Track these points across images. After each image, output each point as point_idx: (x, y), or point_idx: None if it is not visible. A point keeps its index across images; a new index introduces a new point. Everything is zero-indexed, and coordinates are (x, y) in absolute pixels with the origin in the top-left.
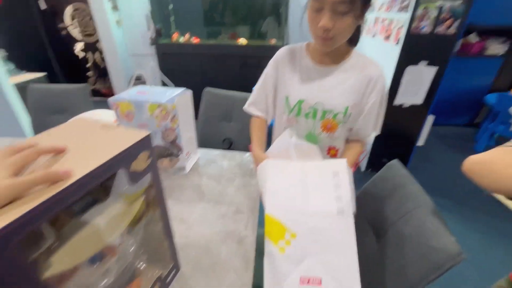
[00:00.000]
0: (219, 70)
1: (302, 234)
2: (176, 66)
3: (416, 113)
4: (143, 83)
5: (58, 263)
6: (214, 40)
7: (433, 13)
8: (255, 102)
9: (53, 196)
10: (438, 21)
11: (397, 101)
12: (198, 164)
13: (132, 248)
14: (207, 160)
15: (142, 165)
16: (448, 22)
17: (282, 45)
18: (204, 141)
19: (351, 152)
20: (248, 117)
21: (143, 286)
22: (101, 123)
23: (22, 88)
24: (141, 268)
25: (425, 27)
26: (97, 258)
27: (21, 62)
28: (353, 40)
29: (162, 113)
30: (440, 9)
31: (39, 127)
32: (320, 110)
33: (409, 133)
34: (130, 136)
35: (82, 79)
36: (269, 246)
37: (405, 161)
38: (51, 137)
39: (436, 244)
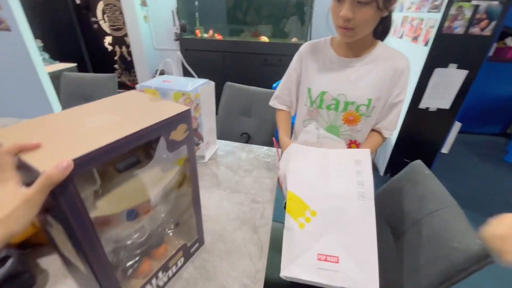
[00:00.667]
0: (240, 67)
1: (322, 213)
2: (198, 62)
3: (442, 118)
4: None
5: (101, 208)
6: (237, 38)
7: (468, 13)
8: (279, 96)
9: (107, 145)
10: (472, 22)
11: (423, 104)
12: (216, 154)
13: (164, 215)
14: (225, 151)
15: (180, 136)
16: (483, 23)
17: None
18: (223, 135)
19: (369, 143)
20: (266, 113)
21: (169, 252)
22: (150, 96)
23: (54, 77)
24: (169, 235)
25: (458, 27)
26: (134, 214)
27: (55, 52)
28: (381, 33)
29: (186, 102)
30: (476, 8)
31: None
32: (342, 102)
33: (433, 138)
34: (172, 109)
35: (109, 71)
36: (289, 221)
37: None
38: (110, 102)
39: (459, 245)
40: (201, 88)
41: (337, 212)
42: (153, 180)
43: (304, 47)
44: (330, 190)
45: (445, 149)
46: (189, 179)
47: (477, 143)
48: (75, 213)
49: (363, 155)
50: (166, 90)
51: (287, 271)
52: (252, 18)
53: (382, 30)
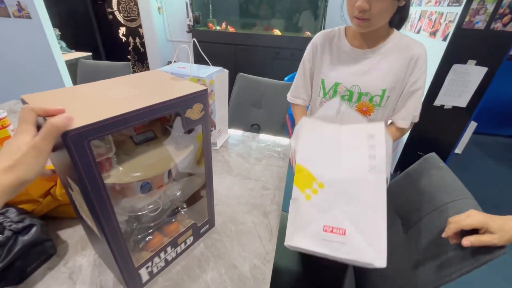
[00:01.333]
0: (252, 60)
1: (330, 185)
2: (210, 54)
3: (458, 116)
4: None
5: (115, 176)
6: (249, 31)
7: (490, 7)
8: (294, 90)
9: (122, 114)
10: (494, 17)
11: (438, 101)
12: (228, 142)
13: (177, 192)
14: (237, 140)
15: (196, 115)
16: (506, 18)
17: None
18: (234, 125)
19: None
20: (277, 105)
21: (180, 229)
22: (172, 76)
23: (70, 65)
24: (182, 213)
25: (479, 22)
26: (147, 187)
27: (71, 41)
28: (398, 22)
29: None
30: (499, 2)
31: None
32: (356, 93)
33: (447, 137)
34: (191, 88)
35: (123, 61)
36: (296, 193)
37: None
38: (134, 78)
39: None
40: (216, 75)
41: (346, 184)
42: (167, 156)
43: (317, 37)
44: (340, 163)
45: (458, 149)
46: (203, 160)
47: (492, 144)
48: (90, 175)
49: (377, 129)
50: (181, 75)
51: (292, 241)
52: (265, 11)
53: (399, 19)
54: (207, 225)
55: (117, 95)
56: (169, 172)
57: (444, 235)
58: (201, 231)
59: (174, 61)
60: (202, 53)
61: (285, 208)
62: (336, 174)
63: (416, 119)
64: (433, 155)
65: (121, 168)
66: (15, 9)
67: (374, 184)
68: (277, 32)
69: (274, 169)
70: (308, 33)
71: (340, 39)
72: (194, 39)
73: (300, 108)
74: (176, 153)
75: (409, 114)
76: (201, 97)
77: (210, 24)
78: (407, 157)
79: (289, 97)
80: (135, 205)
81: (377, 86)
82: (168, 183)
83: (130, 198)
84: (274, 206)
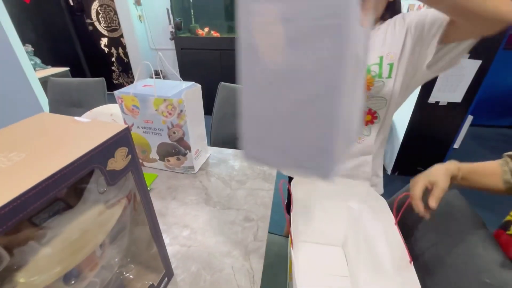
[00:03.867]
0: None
1: None
2: (195, 61)
3: (454, 112)
4: (163, 78)
5: (25, 286)
6: (234, 34)
7: None
8: None
9: (7, 205)
10: None
11: (433, 98)
12: (208, 163)
13: (117, 258)
14: (218, 160)
15: (121, 164)
16: None
17: None
18: (218, 139)
19: None
20: None
21: None
22: (70, 118)
23: (45, 83)
24: (130, 277)
25: None
26: (73, 274)
27: (50, 56)
28: (388, 17)
29: (168, 108)
30: None
31: None
32: None
33: (444, 134)
34: (105, 131)
35: (107, 73)
36: None
37: None
38: (13, 133)
39: (493, 281)
40: (186, 92)
41: None
42: (93, 226)
43: None
44: None
45: (456, 144)
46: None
47: (488, 136)
48: None
49: None
50: (145, 96)
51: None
52: None
53: (390, 16)
54: (166, 279)
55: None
56: (103, 241)
57: (421, 214)
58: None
59: (155, 74)
60: (169, 67)
61: (271, 229)
62: None
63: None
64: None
65: (27, 272)
66: None
67: None
68: None
69: (259, 194)
70: None
71: None
72: (160, 53)
73: None
74: (107, 214)
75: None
76: (123, 138)
77: (200, 30)
78: (404, 158)
79: None
80: None
81: (373, 53)
82: (102, 255)
83: None
84: (258, 244)
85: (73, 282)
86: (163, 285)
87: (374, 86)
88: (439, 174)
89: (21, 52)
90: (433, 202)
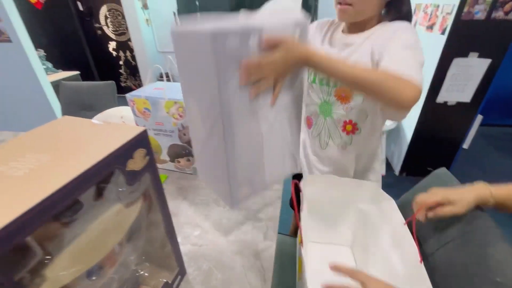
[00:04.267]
0: None
1: None
2: None
3: (463, 112)
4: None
5: (52, 280)
6: None
7: None
8: None
9: (37, 205)
10: (495, 5)
11: (441, 98)
12: None
13: (133, 256)
14: None
15: (139, 164)
16: (508, 6)
17: None
18: None
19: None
20: None
21: None
22: (90, 121)
23: (56, 86)
24: (145, 275)
25: (479, 12)
26: (94, 270)
27: (60, 60)
28: (393, 17)
29: (179, 111)
30: None
31: None
32: None
33: (453, 134)
34: (124, 133)
35: (115, 76)
36: None
37: (447, 166)
38: (38, 136)
39: (505, 280)
40: None
41: None
42: (114, 224)
43: (319, 21)
44: None
45: (465, 144)
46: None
47: (499, 136)
48: None
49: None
50: (157, 99)
51: None
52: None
53: (394, 15)
54: (179, 276)
55: (20, 169)
56: (121, 239)
57: (415, 216)
58: (174, 286)
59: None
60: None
61: (280, 229)
62: None
63: (416, 78)
64: (443, 171)
65: (55, 267)
66: None
67: None
68: None
69: (267, 194)
70: None
71: (338, 28)
72: (170, 56)
73: None
74: (125, 213)
75: (401, 64)
76: (142, 140)
77: None
78: (412, 158)
79: None
80: None
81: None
82: (120, 252)
83: None
84: (268, 243)
85: (94, 278)
86: (176, 282)
87: (354, 99)
88: (464, 199)
89: (34, 57)
90: (432, 213)
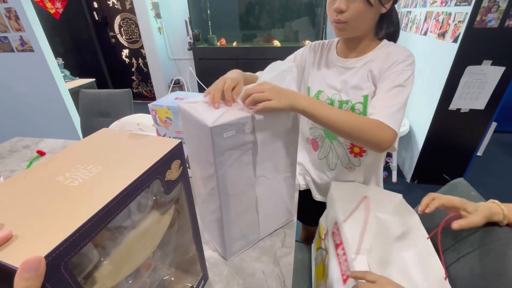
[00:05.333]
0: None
1: None
2: (212, 71)
3: (477, 119)
4: (181, 87)
5: (100, 284)
6: (250, 44)
7: (503, 4)
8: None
9: (98, 213)
10: (508, 13)
11: (453, 105)
12: None
13: (166, 260)
14: None
15: (175, 174)
16: None
17: None
18: None
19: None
20: None
21: None
22: (129, 133)
23: (74, 93)
24: (171, 279)
25: (492, 20)
26: (132, 274)
27: (76, 68)
28: (385, 33)
29: None
30: None
31: (87, 128)
32: (336, 101)
33: (466, 142)
34: (162, 145)
35: (127, 83)
36: None
37: (461, 173)
38: (84, 148)
39: None
40: None
41: None
42: (153, 229)
43: (311, 44)
44: None
45: (479, 152)
46: (185, 210)
47: None
48: None
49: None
50: (177, 109)
51: None
52: (265, 22)
53: (387, 30)
54: (203, 281)
55: (75, 180)
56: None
57: (427, 210)
58: None
59: (175, 83)
60: (198, 81)
61: (296, 236)
62: None
63: (393, 125)
64: (461, 182)
65: (105, 270)
66: (18, 43)
67: None
68: (277, 43)
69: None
70: (307, 42)
71: (330, 49)
72: (190, 68)
73: None
74: (161, 221)
75: (380, 109)
76: (178, 152)
77: (222, 40)
78: (424, 165)
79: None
80: None
81: (357, 93)
82: (154, 257)
83: None
84: (286, 250)
85: (130, 281)
86: (200, 287)
87: None
88: (479, 212)
89: (54, 66)
90: (458, 225)
